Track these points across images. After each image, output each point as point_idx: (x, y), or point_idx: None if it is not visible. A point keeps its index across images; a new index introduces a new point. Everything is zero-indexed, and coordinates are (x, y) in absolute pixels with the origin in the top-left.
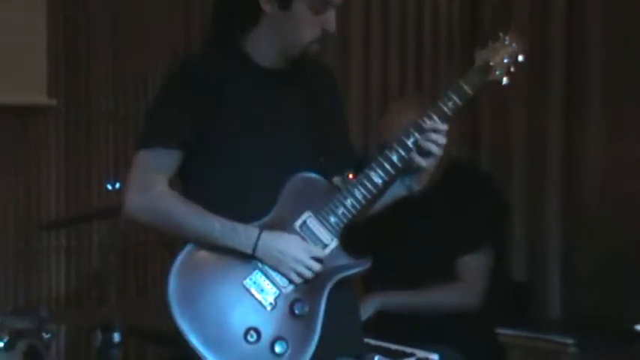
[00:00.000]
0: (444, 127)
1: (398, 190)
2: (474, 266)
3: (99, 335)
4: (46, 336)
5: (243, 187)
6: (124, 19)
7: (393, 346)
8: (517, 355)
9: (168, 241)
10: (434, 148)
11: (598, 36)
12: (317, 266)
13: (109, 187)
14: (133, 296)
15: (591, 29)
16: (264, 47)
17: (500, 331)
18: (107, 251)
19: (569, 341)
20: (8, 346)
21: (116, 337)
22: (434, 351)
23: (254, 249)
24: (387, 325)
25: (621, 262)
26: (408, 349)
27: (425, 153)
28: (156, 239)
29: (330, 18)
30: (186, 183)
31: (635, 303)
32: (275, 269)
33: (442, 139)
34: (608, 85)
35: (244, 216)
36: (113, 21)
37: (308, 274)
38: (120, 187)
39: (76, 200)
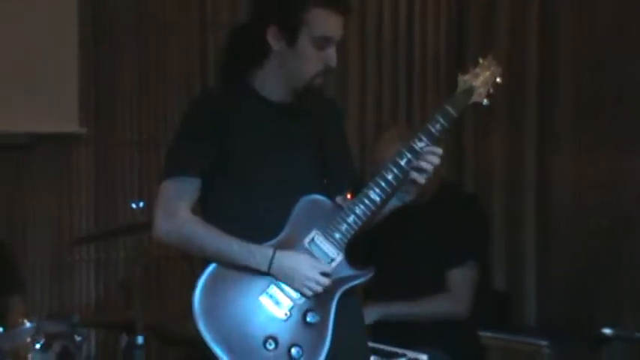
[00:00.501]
0: (439, 150)
1: (393, 202)
2: (461, 279)
3: (124, 337)
4: (77, 338)
5: (256, 210)
6: (148, 54)
7: (387, 348)
8: (497, 355)
9: (186, 255)
10: (428, 167)
11: (568, 67)
12: (326, 281)
13: (134, 206)
14: (154, 303)
15: (562, 60)
16: (271, 82)
17: (482, 334)
18: (132, 263)
19: (544, 343)
20: (44, 348)
21: (139, 339)
22: (423, 352)
23: (269, 267)
24: (382, 329)
25: (589, 272)
26: (400, 350)
27: (420, 170)
28: (175, 253)
29: (331, 54)
30: (204, 206)
31: (602, 309)
32: (288, 284)
33: (436, 160)
34: (578, 113)
35: (258, 236)
36: (137, 56)
37: (318, 288)
38: (143, 206)
39: (104, 218)
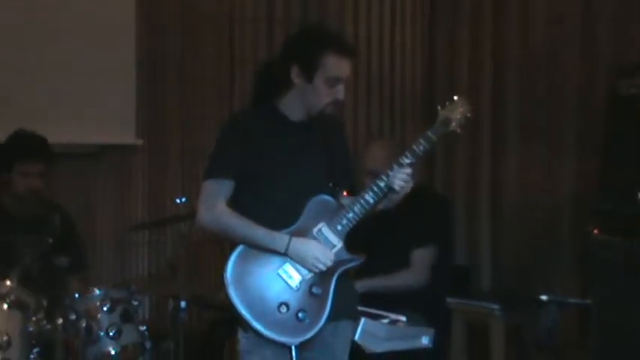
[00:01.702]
0: (410, 170)
1: (379, 207)
2: (421, 258)
3: (171, 303)
4: (135, 303)
5: (278, 205)
6: (189, 82)
7: (373, 311)
8: (460, 317)
9: (219, 240)
10: (406, 179)
11: (514, 94)
12: (329, 262)
13: (178, 201)
14: (194, 277)
15: (509, 88)
16: (292, 107)
17: (448, 300)
18: (177, 246)
19: (496, 307)
20: (110, 310)
21: (183, 304)
22: (402, 314)
23: (286, 250)
24: (368, 299)
25: (532, 250)
26: (384, 313)
27: (399, 183)
28: (210, 238)
29: (340, 89)
30: (237, 201)
31: (541, 280)
32: (300, 264)
33: (407, 177)
34: (522, 129)
35: (278, 225)
36: (180, 82)
37: (323, 268)
38: (185, 201)
39: (155, 210)
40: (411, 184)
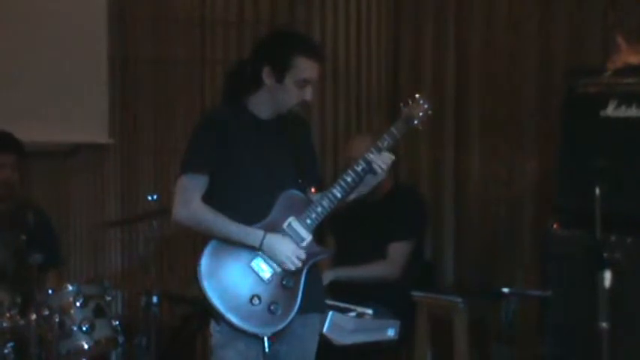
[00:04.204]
0: (390, 156)
1: (353, 195)
2: (397, 251)
3: (143, 298)
4: (108, 298)
5: (247, 199)
6: (161, 83)
7: (341, 304)
8: (424, 309)
9: (190, 235)
10: (379, 170)
11: (476, 92)
12: (299, 263)
13: (150, 198)
14: (166, 272)
15: (471, 87)
16: (262, 105)
17: (413, 293)
18: (149, 242)
19: (459, 300)
20: (83, 305)
21: (155, 299)
22: (369, 307)
23: (261, 245)
24: (337, 290)
25: (492, 246)
26: (351, 306)
27: (373, 172)
28: (180, 234)
29: (308, 91)
30: (210, 197)
31: (502, 274)
32: (272, 258)
33: (384, 166)
34: (484, 126)
35: (249, 220)
36: (153, 84)
37: (292, 267)
38: (157, 198)
39: (128, 207)
40: (387, 171)
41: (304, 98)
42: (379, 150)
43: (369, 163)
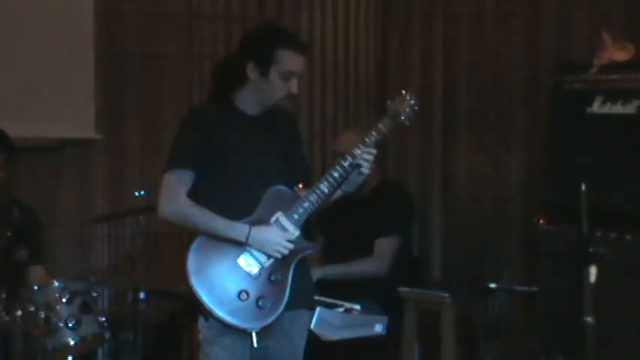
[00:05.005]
0: (373, 151)
1: (338, 194)
2: (384, 247)
3: (130, 294)
4: (94, 295)
5: (235, 196)
6: (148, 78)
7: (329, 300)
8: (412, 305)
9: (177, 231)
10: (365, 165)
11: (463, 92)
12: (290, 245)
13: (137, 194)
14: (152, 268)
15: (460, 86)
16: (248, 101)
17: (401, 289)
18: (135, 238)
19: (446, 295)
20: (69, 302)
21: (142, 295)
22: (357, 303)
23: (247, 238)
24: (326, 286)
25: (479, 242)
26: (339, 302)
27: (359, 166)
28: (168, 230)
29: (294, 84)
30: (197, 192)
31: (489, 269)
32: (260, 251)
33: (368, 162)
34: (472, 122)
35: (236, 215)
36: (140, 79)
37: (285, 251)
38: (144, 194)
39: (115, 203)
40: (371, 167)
41: (290, 91)
42: (366, 145)
43: (355, 157)
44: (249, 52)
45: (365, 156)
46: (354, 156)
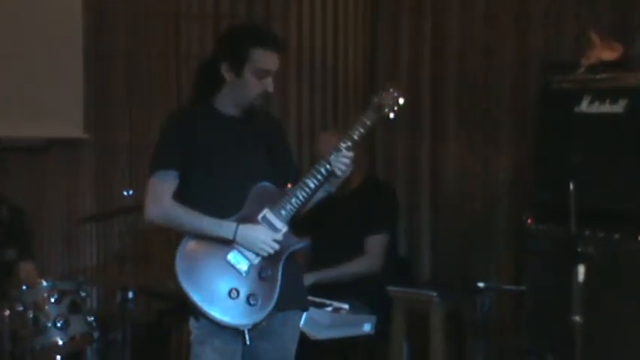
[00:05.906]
0: (350, 154)
1: (320, 195)
2: (375, 244)
3: (119, 294)
4: (83, 294)
5: (221, 194)
6: (136, 77)
7: (317, 299)
8: (400, 304)
9: (165, 231)
10: (346, 163)
11: (452, 88)
12: (276, 245)
13: (125, 193)
14: (141, 268)
15: (448, 82)
16: (225, 102)
17: (390, 288)
18: (124, 237)
19: (434, 294)
20: (57, 301)
21: (130, 294)
22: (345, 302)
23: (234, 236)
24: (313, 285)
25: (468, 241)
26: (327, 301)
27: (340, 167)
28: (155, 229)
29: (269, 82)
30: (181, 193)
31: (477, 268)
32: (248, 249)
33: (348, 160)
34: (460, 121)
35: (223, 214)
36: (128, 79)
37: (271, 251)
38: (133, 194)
39: (103, 203)
40: (350, 168)
41: (265, 89)
42: (352, 140)
43: (340, 151)
44: (223, 52)
45: (341, 160)
46: (339, 150)
